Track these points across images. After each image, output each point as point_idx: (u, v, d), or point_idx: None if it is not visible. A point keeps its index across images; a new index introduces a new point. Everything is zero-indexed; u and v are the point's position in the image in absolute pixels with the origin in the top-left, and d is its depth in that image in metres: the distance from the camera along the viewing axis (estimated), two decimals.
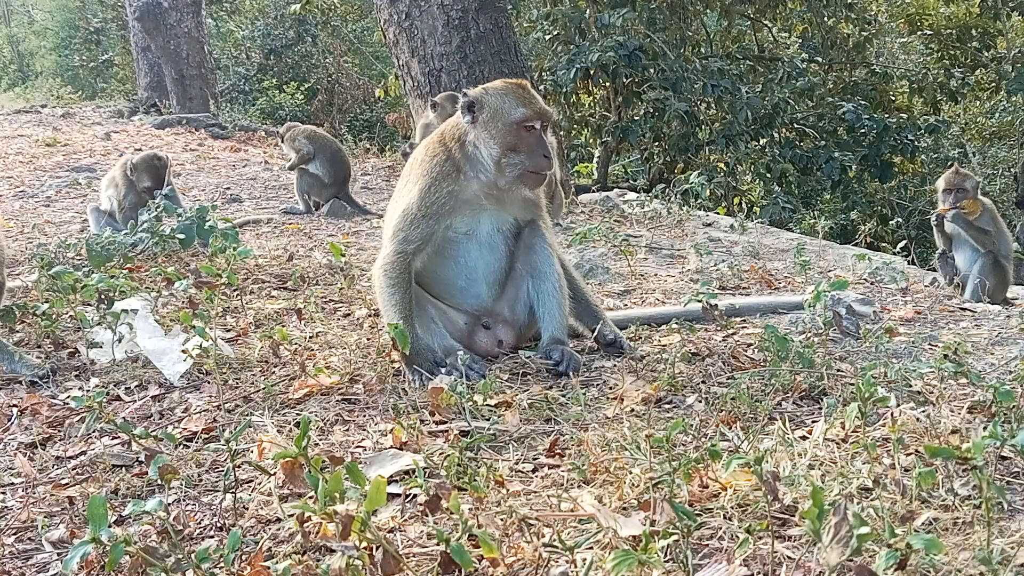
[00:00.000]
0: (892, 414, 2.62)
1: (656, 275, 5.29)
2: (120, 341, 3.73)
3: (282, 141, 8.45)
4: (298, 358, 3.54)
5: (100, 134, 13.11)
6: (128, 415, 3.16)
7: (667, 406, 3.02)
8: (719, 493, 2.28)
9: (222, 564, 1.98)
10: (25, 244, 6.24)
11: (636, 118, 12.84)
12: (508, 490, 2.39)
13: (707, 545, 2.08)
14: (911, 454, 2.46)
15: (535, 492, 2.39)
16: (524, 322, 3.67)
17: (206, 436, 2.94)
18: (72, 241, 5.74)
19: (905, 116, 14.30)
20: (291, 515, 2.19)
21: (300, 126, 8.56)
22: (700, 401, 3.01)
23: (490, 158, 3.46)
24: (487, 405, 3.00)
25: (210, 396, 3.29)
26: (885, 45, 17.45)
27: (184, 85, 16.18)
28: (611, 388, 3.23)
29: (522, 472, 2.55)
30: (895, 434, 2.38)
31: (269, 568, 2.01)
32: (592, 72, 12.17)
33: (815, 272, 5.37)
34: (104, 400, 2.94)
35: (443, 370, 3.29)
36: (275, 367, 3.55)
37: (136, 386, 3.47)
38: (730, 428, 2.73)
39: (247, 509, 2.41)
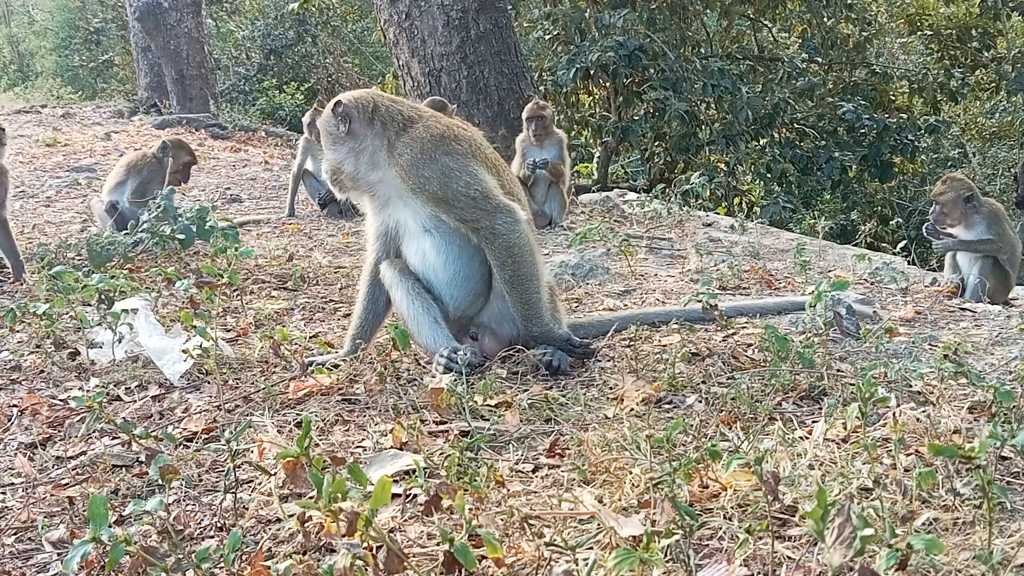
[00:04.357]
0: (892, 414, 2.62)
1: (656, 275, 5.29)
2: (120, 341, 3.73)
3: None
4: (298, 358, 3.54)
5: (100, 134, 13.11)
6: (128, 415, 3.16)
7: (667, 406, 3.02)
8: (719, 493, 2.28)
9: (222, 564, 1.98)
10: (25, 244, 6.23)
11: (636, 118, 12.83)
12: (508, 490, 2.39)
13: (707, 545, 2.08)
14: (911, 454, 2.46)
15: (535, 492, 2.39)
16: (512, 336, 3.60)
17: (206, 436, 2.94)
18: (72, 241, 5.74)
19: (905, 116, 14.28)
20: (292, 515, 2.19)
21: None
22: (700, 401, 3.01)
23: None
24: (487, 405, 3.00)
25: (210, 396, 3.29)
26: (885, 45, 17.44)
27: (184, 85, 16.16)
28: (611, 388, 3.23)
29: (522, 472, 2.55)
30: (896, 434, 2.38)
31: (269, 568, 2.01)
32: (592, 72, 12.16)
33: (815, 272, 5.37)
34: (104, 400, 2.94)
35: (442, 360, 3.32)
36: (275, 367, 3.55)
37: (136, 386, 3.47)
38: (730, 428, 2.73)
39: (247, 509, 2.41)
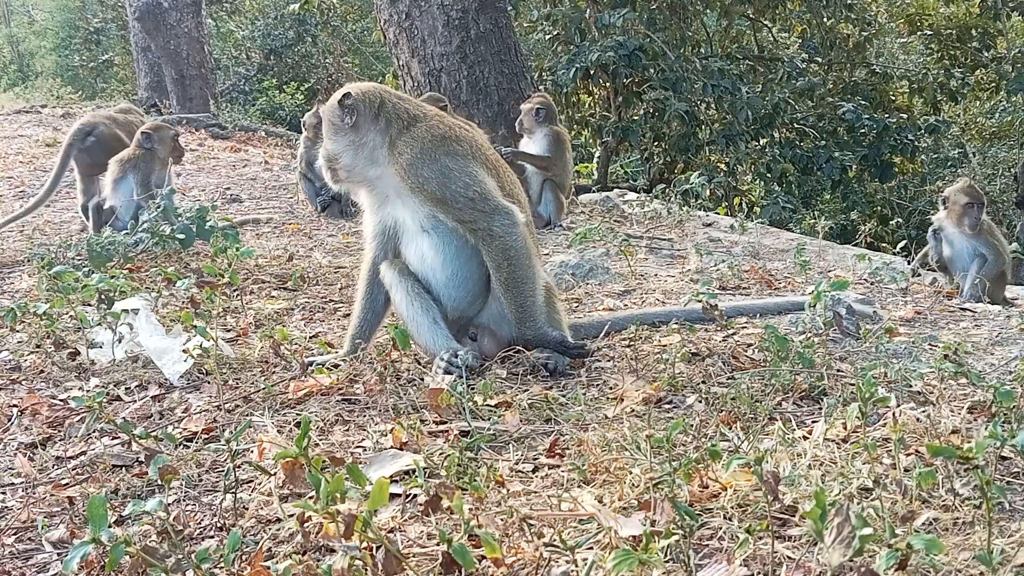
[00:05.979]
0: (892, 414, 2.62)
1: (656, 275, 5.28)
2: (120, 341, 3.73)
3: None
4: (298, 358, 3.54)
5: None
6: (128, 415, 3.16)
7: (667, 406, 3.02)
8: (719, 493, 2.28)
9: (222, 564, 1.98)
10: (25, 244, 6.23)
11: (636, 118, 12.82)
12: (508, 490, 2.39)
13: (707, 545, 2.08)
14: (911, 454, 2.46)
15: (535, 492, 2.39)
16: (511, 337, 3.58)
17: (206, 436, 2.94)
18: (72, 241, 5.73)
19: (905, 116, 14.27)
20: (292, 515, 2.19)
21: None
22: (700, 401, 3.01)
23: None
24: (487, 405, 3.00)
25: (210, 396, 3.29)
26: (885, 45, 17.42)
27: (184, 85, 16.16)
28: (611, 388, 3.23)
29: (522, 472, 2.55)
30: (896, 434, 2.38)
31: (269, 568, 2.01)
32: (592, 72, 12.15)
33: (815, 272, 5.37)
34: (104, 400, 2.94)
35: (442, 363, 3.33)
36: (275, 367, 3.55)
37: (136, 386, 3.47)
38: (730, 428, 2.73)
39: (247, 509, 2.41)
